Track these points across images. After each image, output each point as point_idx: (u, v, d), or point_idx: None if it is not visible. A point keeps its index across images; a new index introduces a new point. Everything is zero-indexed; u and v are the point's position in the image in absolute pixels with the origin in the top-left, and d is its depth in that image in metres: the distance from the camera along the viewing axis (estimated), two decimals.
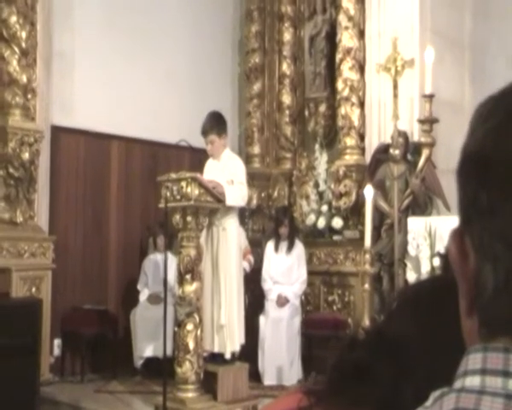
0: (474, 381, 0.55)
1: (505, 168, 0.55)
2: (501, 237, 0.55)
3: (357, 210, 6.64)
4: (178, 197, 4.98)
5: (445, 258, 5.14)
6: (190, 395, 4.96)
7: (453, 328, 0.64)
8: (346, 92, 6.84)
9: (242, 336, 5.38)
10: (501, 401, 0.52)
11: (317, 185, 7.26)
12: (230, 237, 5.33)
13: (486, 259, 0.56)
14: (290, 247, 6.49)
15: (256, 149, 7.88)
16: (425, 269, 5.48)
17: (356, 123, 6.82)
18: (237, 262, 5.38)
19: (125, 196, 7.13)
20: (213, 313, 5.26)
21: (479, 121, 0.59)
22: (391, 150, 5.97)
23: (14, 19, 5.83)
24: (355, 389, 0.80)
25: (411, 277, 5.60)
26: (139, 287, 6.69)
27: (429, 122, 5.85)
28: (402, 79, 5.86)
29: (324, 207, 7.06)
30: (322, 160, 7.26)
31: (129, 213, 7.12)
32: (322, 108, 7.43)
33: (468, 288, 0.58)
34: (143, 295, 6.62)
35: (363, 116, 6.83)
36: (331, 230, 6.89)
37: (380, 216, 6.12)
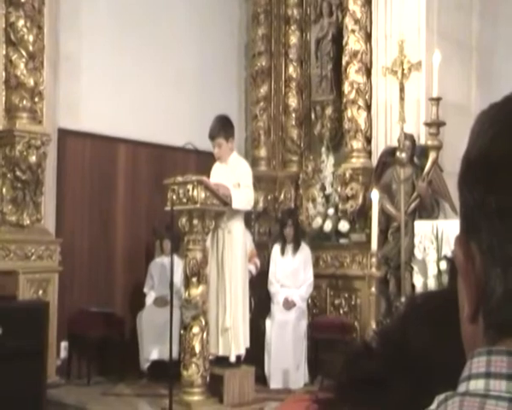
0: (478, 384, 0.55)
1: None
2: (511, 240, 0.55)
3: (363, 213, 6.63)
4: (184, 200, 5.00)
5: (452, 261, 5.12)
6: (196, 398, 4.96)
7: None
8: (352, 95, 6.84)
9: (247, 340, 5.39)
10: (505, 405, 0.52)
11: (323, 188, 7.25)
12: (236, 240, 5.34)
13: (495, 263, 0.56)
14: (296, 249, 6.50)
15: (262, 152, 7.88)
16: (432, 272, 5.47)
17: (362, 126, 6.81)
18: (242, 265, 5.39)
19: (131, 198, 7.13)
20: (218, 316, 5.27)
21: (482, 128, 0.59)
22: (397, 153, 5.95)
23: (21, 22, 5.85)
24: (367, 400, 0.79)
25: (418, 280, 5.60)
26: (145, 290, 6.69)
27: (436, 125, 5.84)
28: (409, 81, 5.84)
29: (331, 211, 7.05)
30: (328, 163, 7.25)
31: (135, 216, 7.12)
32: (329, 110, 7.44)
33: (474, 292, 0.58)
34: (150, 298, 6.61)
35: (369, 119, 6.83)
36: (337, 233, 6.88)
37: (386, 219, 6.11)
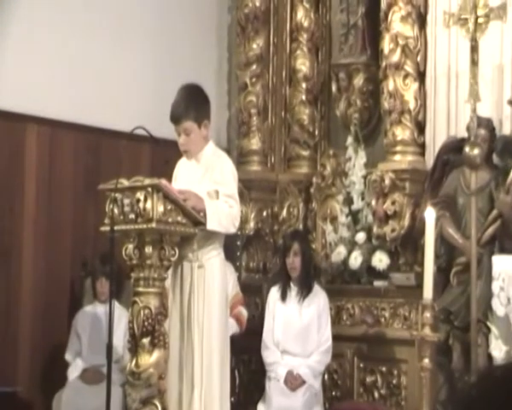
0: None
1: None
2: None
3: (412, 242, 6.65)
4: (132, 216, 4.96)
5: None
6: None
7: None
8: (396, 56, 6.86)
9: None
10: None
11: (349, 201, 7.24)
12: (211, 278, 5.31)
13: None
14: (305, 294, 6.52)
15: (255, 143, 7.88)
16: None
17: (411, 105, 6.84)
18: (221, 318, 5.37)
19: (47, 212, 7.11)
20: (182, 398, 5.21)
21: None
22: (467, 149, 5.94)
23: None
24: None
25: (498, 348, 5.60)
26: (68, 357, 6.68)
27: None
28: (486, 36, 5.85)
29: (360, 236, 7.04)
30: (357, 161, 7.24)
31: (53, 240, 7.10)
32: (359, 80, 7.44)
33: None
34: (75, 370, 6.61)
35: (422, 95, 6.86)
36: (371, 271, 6.88)
37: (448, 252, 6.14)
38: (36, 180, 7.12)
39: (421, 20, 6.87)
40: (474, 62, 5.84)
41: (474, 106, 5.86)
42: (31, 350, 6.96)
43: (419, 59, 6.86)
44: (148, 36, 7.72)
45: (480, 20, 5.84)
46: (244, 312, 6.68)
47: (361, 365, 6.81)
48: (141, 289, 5.05)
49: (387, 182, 6.80)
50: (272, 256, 7.58)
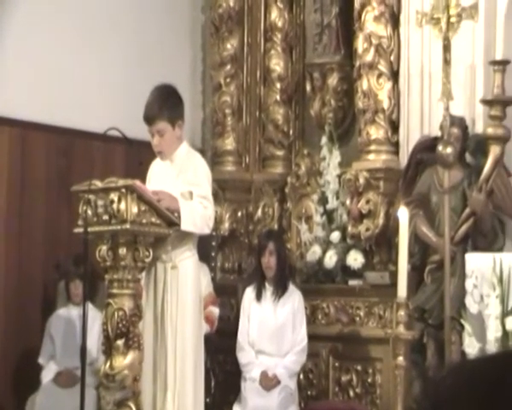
0: None
1: None
2: None
3: (386, 241, 6.67)
4: (106, 218, 4.96)
5: None
6: None
7: None
8: (369, 56, 6.88)
9: None
10: None
11: (323, 201, 7.25)
12: (185, 279, 5.33)
13: None
14: (280, 293, 6.53)
15: (229, 144, 7.87)
16: (493, 334, 5.46)
17: (385, 104, 6.86)
18: (194, 320, 5.37)
19: (19, 214, 7.08)
20: (156, 401, 5.22)
21: None
22: (440, 147, 5.93)
23: None
24: None
25: (472, 346, 5.59)
26: (41, 360, 6.65)
27: (501, 104, 5.85)
28: (458, 36, 5.86)
29: (335, 235, 7.05)
30: (332, 161, 7.25)
31: (25, 242, 7.07)
32: (333, 79, 7.44)
33: None
34: (48, 373, 6.58)
35: (396, 94, 6.88)
36: (346, 270, 6.89)
37: (422, 250, 6.14)
38: (7, 182, 7.07)
39: (395, 20, 6.89)
40: (447, 62, 5.85)
41: (447, 105, 5.87)
42: (3, 354, 6.90)
43: (392, 58, 6.87)
44: (121, 36, 7.68)
45: (453, 20, 5.85)
46: (215, 311, 6.61)
47: (336, 364, 6.81)
48: (115, 290, 5.05)
49: (362, 181, 6.82)
50: (247, 256, 7.57)
